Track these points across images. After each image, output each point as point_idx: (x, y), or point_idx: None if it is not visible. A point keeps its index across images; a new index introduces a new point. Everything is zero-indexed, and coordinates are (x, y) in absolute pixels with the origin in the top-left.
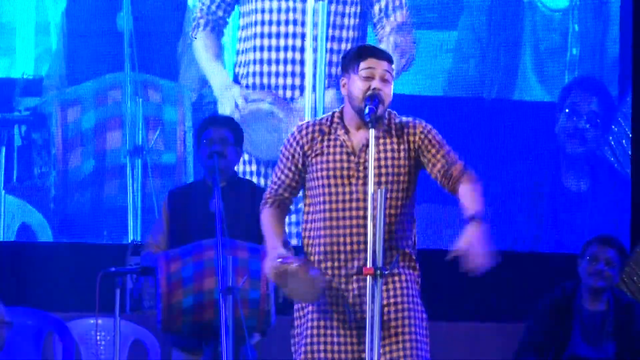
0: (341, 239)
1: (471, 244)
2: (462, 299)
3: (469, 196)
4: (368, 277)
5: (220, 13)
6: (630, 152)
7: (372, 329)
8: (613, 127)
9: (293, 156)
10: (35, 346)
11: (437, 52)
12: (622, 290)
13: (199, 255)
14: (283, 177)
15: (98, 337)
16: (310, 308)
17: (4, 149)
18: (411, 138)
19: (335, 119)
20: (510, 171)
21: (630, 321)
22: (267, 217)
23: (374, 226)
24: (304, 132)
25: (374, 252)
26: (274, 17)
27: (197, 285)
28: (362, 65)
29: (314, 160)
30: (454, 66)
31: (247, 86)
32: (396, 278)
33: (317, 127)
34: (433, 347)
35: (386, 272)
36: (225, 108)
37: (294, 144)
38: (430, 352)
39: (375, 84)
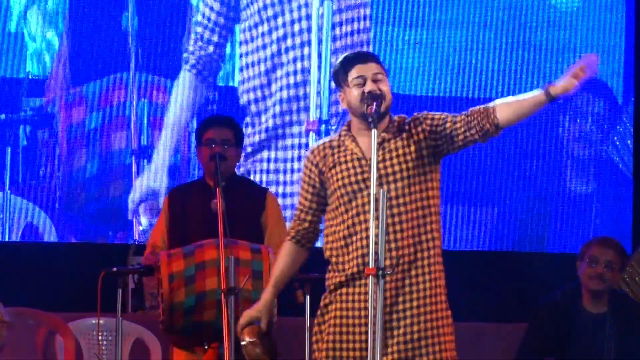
0: (365, 242)
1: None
2: (467, 299)
3: (514, 98)
4: (370, 277)
5: (211, 49)
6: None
7: (375, 329)
8: (618, 127)
9: (310, 177)
10: (36, 346)
11: (444, 52)
12: (624, 291)
13: (200, 255)
14: (303, 200)
15: (100, 337)
16: (333, 306)
17: (9, 149)
18: (419, 129)
19: (343, 132)
20: (515, 172)
21: (632, 323)
22: (281, 254)
23: (376, 226)
24: (316, 151)
25: (375, 252)
26: (279, 24)
27: (199, 285)
28: (352, 75)
29: (329, 174)
30: (461, 66)
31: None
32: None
33: (327, 145)
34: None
35: (389, 273)
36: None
37: (309, 166)
38: None
39: (369, 87)
